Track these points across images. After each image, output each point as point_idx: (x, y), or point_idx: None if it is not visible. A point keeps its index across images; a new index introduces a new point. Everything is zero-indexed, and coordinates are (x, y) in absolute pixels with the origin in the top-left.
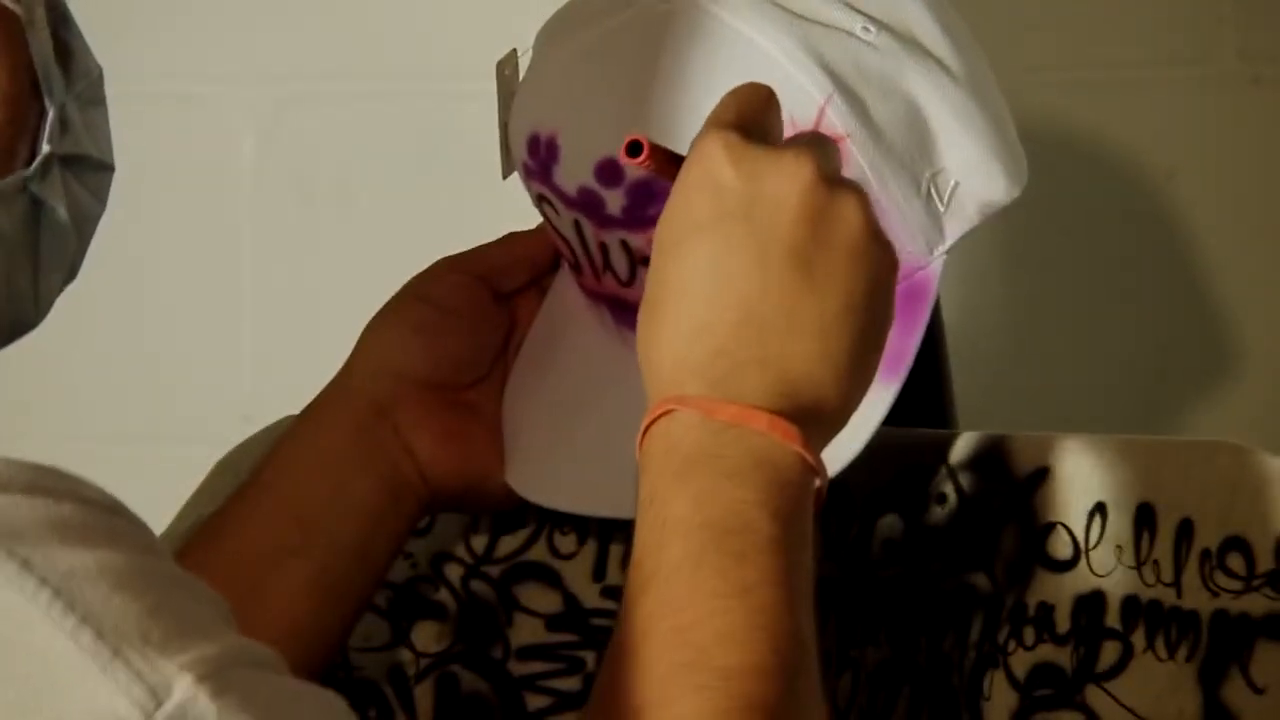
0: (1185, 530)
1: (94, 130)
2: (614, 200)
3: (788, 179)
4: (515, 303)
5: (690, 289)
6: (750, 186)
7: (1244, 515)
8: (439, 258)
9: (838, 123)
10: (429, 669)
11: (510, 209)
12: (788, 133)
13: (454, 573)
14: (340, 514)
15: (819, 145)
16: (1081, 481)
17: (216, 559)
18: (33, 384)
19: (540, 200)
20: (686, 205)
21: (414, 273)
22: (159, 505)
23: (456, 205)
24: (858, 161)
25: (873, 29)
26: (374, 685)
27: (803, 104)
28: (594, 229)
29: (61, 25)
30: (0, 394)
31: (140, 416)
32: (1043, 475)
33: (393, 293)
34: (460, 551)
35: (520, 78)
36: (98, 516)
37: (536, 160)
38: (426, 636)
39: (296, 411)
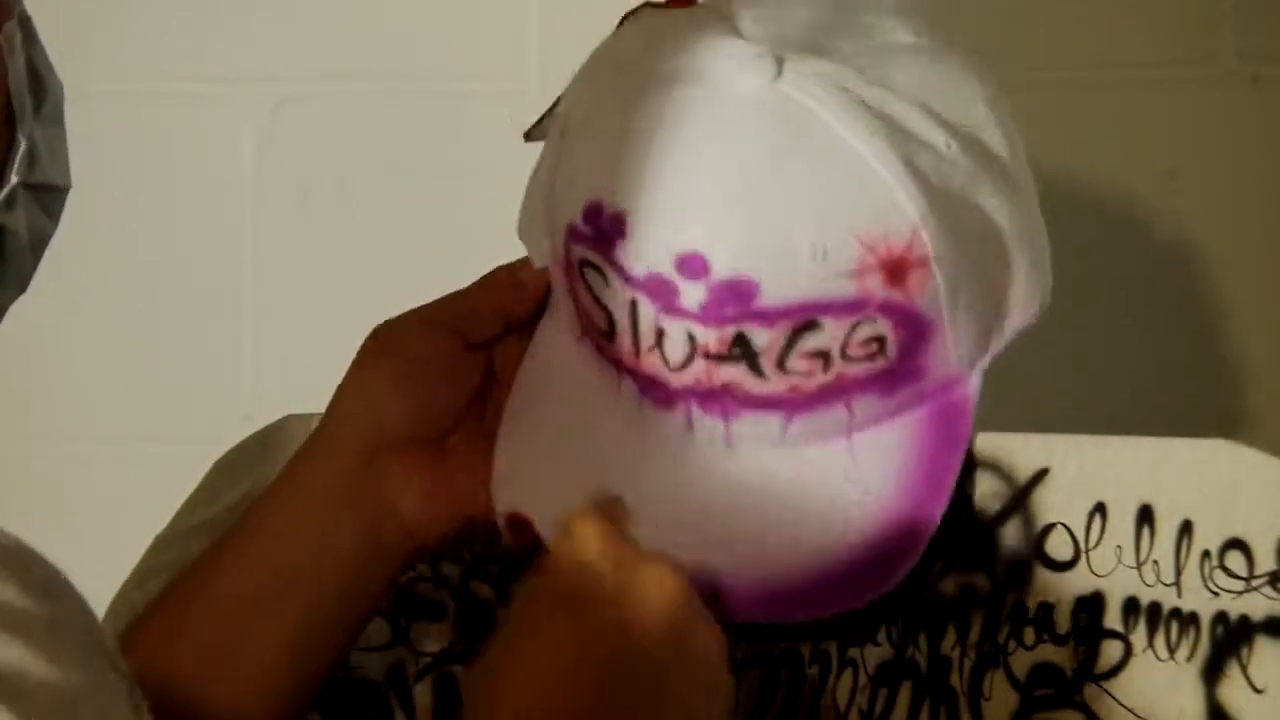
0: (1185, 530)
1: (54, 153)
2: (692, 294)
3: (660, 585)
4: (490, 349)
5: (543, 667)
6: (624, 579)
7: (1244, 515)
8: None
9: (928, 244)
10: (428, 668)
11: (510, 210)
12: (878, 249)
13: (453, 572)
14: (322, 570)
15: (684, 569)
16: (1081, 481)
17: (196, 610)
18: (33, 384)
19: (584, 265)
20: (554, 583)
21: (414, 272)
22: (159, 505)
23: (456, 205)
24: (937, 283)
25: (954, 143)
26: (373, 685)
27: (895, 223)
28: (657, 313)
29: (28, 43)
30: (0, 394)
31: (140, 416)
32: (1043, 475)
33: (392, 293)
34: (460, 551)
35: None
36: (36, 604)
37: (595, 229)
38: (426, 636)
39: (296, 411)
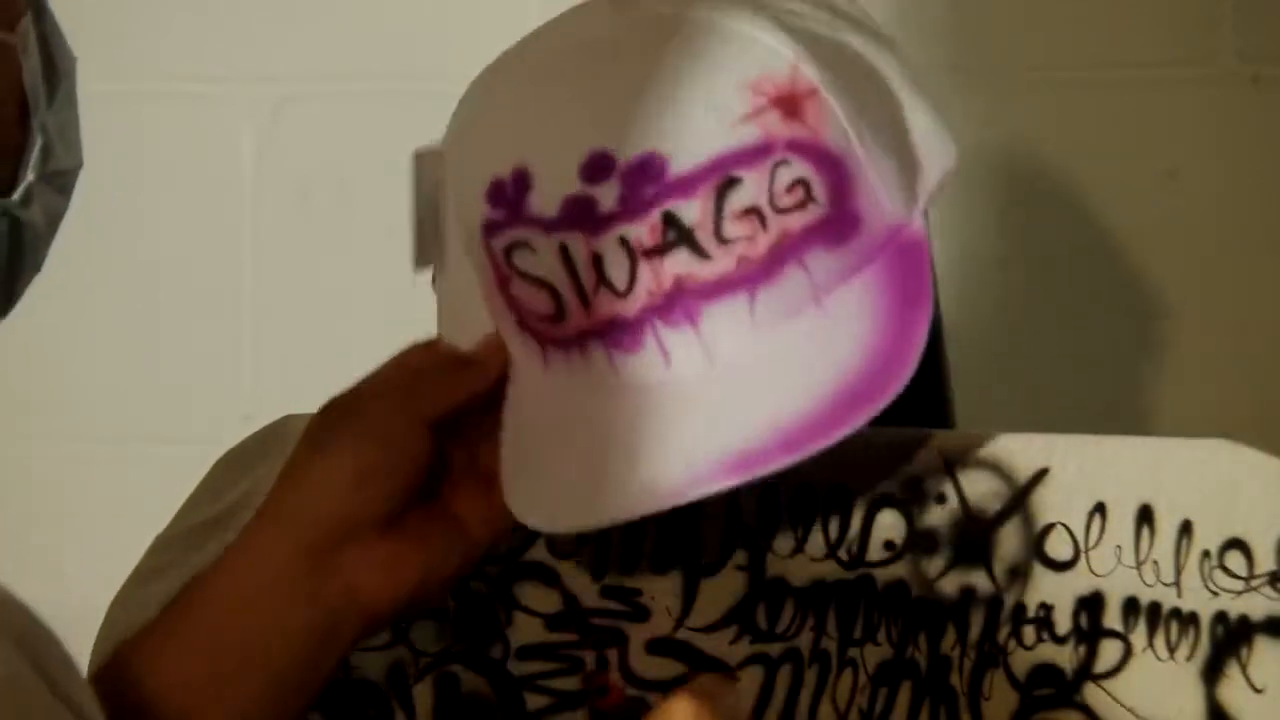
0: (1185, 530)
1: (68, 137)
2: (608, 194)
3: None
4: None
5: None
6: None
7: (1244, 515)
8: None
9: (812, 76)
10: (428, 668)
11: None
12: (765, 90)
13: None
14: (272, 653)
15: None
16: (1081, 481)
17: (138, 690)
18: (33, 384)
19: (509, 250)
20: None
21: (413, 272)
22: (159, 505)
23: None
24: (835, 115)
25: (808, 4)
26: (373, 685)
27: (774, 63)
28: (585, 241)
29: (40, 19)
30: (0, 394)
31: (140, 416)
32: (1043, 475)
33: (392, 293)
34: None
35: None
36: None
37: (504, 204)
38: (426, 636)
39: (296, 411)
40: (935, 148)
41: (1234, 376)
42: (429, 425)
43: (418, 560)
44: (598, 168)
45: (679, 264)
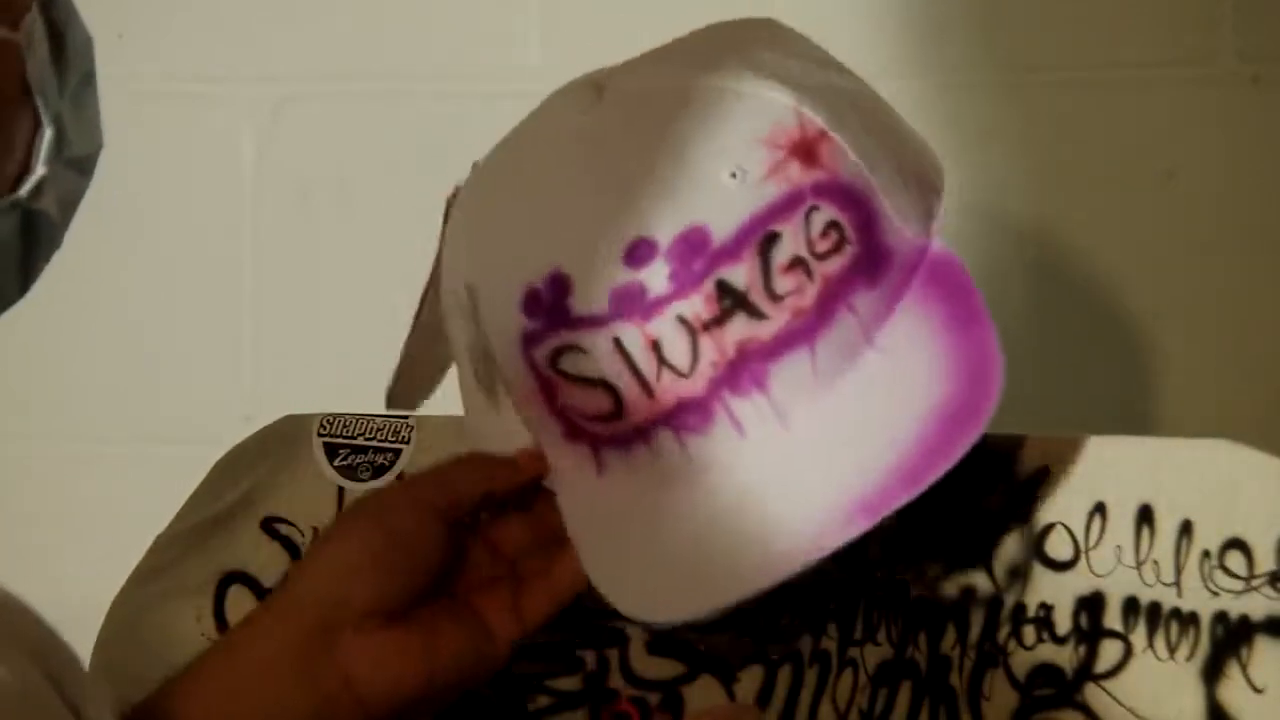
0: (1185, 530)
1: (83, 121)
2: (656, 276)
3: None
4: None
5: None
6: None
7: (1244, 515)
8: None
9: (816, 118)
10: None
11: None
12: (780, 142)
13: None
14: None
15: None
16: (1081, 481)
17: None
18: (33, 384)
19: (555, 357)
20: None
21: (414, 273)
22: (159, 505)
23: None
24: (846, 151)
25: (780, 55)
26: None
27: (779, 114)
28: (640, 326)
29: (50, 6)
30: (0, 394)
31: (140, 416)
32: (1043, 475)
33: (392, 293)
34: None
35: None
36: (9, 673)
37: (542, 312)
38: None
39: (297, 412)
40: (933, 165)
41: (1234, 376)
42: (444, 519)
43: (422, 655)
44: (641, 253)
45: (738, 330)
